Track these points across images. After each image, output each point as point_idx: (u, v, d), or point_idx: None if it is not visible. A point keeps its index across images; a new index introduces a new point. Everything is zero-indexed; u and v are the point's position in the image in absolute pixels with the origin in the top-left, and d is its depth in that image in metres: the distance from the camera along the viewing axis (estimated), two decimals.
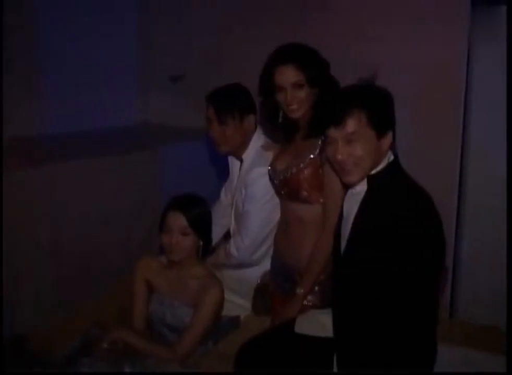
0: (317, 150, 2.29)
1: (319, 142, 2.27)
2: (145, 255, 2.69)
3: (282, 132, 2.51)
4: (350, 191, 2.02)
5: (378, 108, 1.91)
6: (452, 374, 2.23)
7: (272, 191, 2.59)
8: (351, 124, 1.88)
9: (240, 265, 2.75)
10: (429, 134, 3.15)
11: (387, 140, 1.92)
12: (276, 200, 2.59)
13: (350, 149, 1.90)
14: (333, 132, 1.91)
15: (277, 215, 2.61)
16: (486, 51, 3.02)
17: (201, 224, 2.45)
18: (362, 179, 1.95)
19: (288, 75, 2.30)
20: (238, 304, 2.71)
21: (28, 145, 3.33)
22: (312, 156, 2.31)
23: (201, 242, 2.48)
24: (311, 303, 2.37)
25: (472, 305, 3.11)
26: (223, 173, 3.04)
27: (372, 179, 1.94)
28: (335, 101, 1.97)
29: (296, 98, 2.32)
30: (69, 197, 2.94)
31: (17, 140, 3.19)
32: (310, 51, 2.34)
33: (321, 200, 2.33)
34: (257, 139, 2.74)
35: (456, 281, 3.17)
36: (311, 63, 2.30)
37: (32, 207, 2.81)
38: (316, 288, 2.37)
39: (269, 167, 2.52)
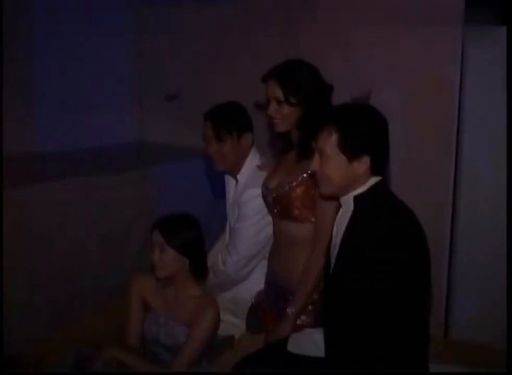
0: (310, 170, 2.30)
1: None
2: (140, 272, 2.70)
3: (279, 145, 2.56)
4: (340, 211, 2.03)
5: (353, 131, 1.90)
6: (452, 373, 2.24)
7: (264, 211, 2.61)
8: (321, 141, 1.93)
9: (227, 281, 2.76)
10: (422, 151, 3.15)
11: (362, 165, 1.91)
12: (267, 220, 2.61)
13: (321, 164, 1.94)
14: (313, 144, 1.98)
15: (266, 235, 2.65)
16: (479, 67, 3.04)
17: (179, 241, 2.43)
18: (333, 194, 2.00)
19: (271, 89, 2.36)
20: (232, 323, 2.72)
21: (21, 162, 3.34)
22: (305, 175, 2.33)
23: (187, 261, 2.48)
24: (304, 323, 2.37)
25: (467, 324, 3.09)
26: (217, 192, 3.04)
27: (357, 200, 1.95)
28: (323, 116, 2.00)
29: (278, 113, 2.36)
30: (62, 214, 2.95)
31: (10, 158, 3.20)
32: (299, 71, 2.35)
33: (313, 219, 2.35)
34: (253, 159, 2.76)
35: (451, 300, 3.16)
36: (293, 83, 2.31)
37: (24, 225, 2.81)
38: (310, 307, 2.38)
39: (262, 185, 2.54)
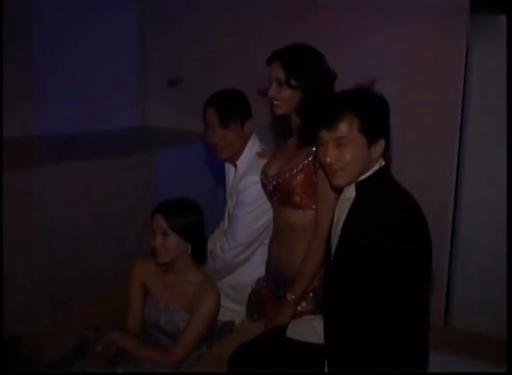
0: (311, 156, 2.30)
1: (313, 149, 2.27)
2: (142, 258, 2.71)
3: (279, 131, 2.56)
4: (341, 198, 2.02)
5: (372, 115, 1.91)
6: (452, 374, 2.24)
7: (262, 199, 2.61)
8: (342, 128, 1.89)
9: (225, 267, 2.78)
10: (424, 144, 3.14)
11: (378, 148, 1.93)
12: (265, 207, 2.62)
13: (339, 153, 1.91)
14: (324, 134, 1.92)
15: (265, 222, 2.66)
16: (484, 57, 3.02)
17: (182, 226, 2.45)
18: (349, 183, 1.96)
19: (274, 70, 2.35)
20: (232, 309, 2.73)
21: (23, 145, 3.34)
22: (305, 162, 2.32)
23: (189, 246, 2.48)
24: (304, 309, 2.38)
25: (467, 313, 3.10)
26: (218, 178, 3.04)
27: (360, 186, 1.94)
28: (329, 104, 1.98)
29: (278, 95, 2.35)
30: (64, 198, 2.95)
31: (12, 141, 3.20)
32: (303, 55, 2.34)
33: (313, 206, 2.34)
34: (253, 145, 2.76)
35: (451, 289, 3.16)
36: (295, 66, 2.31)
37: (25, 208, 2.81)
38: (311, 294, 2.38)
39: (262, 173, 2.53)
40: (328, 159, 1.92)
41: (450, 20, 3.02)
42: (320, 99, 2.20)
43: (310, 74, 2.31)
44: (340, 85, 2.34)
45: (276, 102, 2.37)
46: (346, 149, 1.90)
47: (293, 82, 2.31)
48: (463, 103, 3.05)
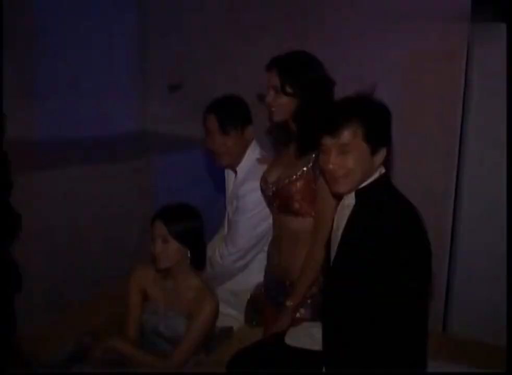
0: (311, 163, 2.31)
1: (313, 156, 2.28)
2: (141, 264, 2.70)
3: (280, 138, 2.56)
4: (340, 205, 2.02)
5: (376, 123, 1.91)
6: (451, 373, 2.24)
7: (262, 205, 2.61)
8: (346, 135, 1.88)
9: (224, 273, 2.78)
10: (426, 146, 3.14)
11: (380, 156, 1.93)
12: (265, 213, 2.62)
13: (342, 160, 1.90)
14: (327, 141, 1.92)
15: (264, 229, 2.66)
16: (484, 61, 3.02)
17: (182, 232, 2.44)
18: (350, 191, 1.95)
19: (271, 77, 2.36)
20: (231, 316, 2.73)
21: (21, 150, 3.33)
22: (305, 169, 2.32)
23: (188, 252, 2.48)
24: (303, 316, 2.38)
25: (466, 320, 3.10)
26: (218, 184, 3.03)
27: (360, 193, 1.94)
28: (332, 110, 1.98)
29: (275, 102, 2.36)
30: (63, 202, 2.95)
31: (11, 143, 3.20)
32: (299, 62, 2.35)
33: (313, 213, 2.34)
34: (253, 152, 2.77)
35: (450, 295, 3.16)
36: (290, 73, 2.32)
37: (24, 211, 2.81)
38: (309, 301, 2.38)
39: (261, 179, 2.53)
40: (331, 166, 1.92)
41: (451, 25, 3.02)
42: (317, 106, 2.21)
43: (306, 82, 2.32)
44: (341, 88, 2.36)
45: (273, 109, 2.38)
46: (349, 156, 1.90)
47: (288, 89, 2.32)
48: (463, 105, 3.06)
